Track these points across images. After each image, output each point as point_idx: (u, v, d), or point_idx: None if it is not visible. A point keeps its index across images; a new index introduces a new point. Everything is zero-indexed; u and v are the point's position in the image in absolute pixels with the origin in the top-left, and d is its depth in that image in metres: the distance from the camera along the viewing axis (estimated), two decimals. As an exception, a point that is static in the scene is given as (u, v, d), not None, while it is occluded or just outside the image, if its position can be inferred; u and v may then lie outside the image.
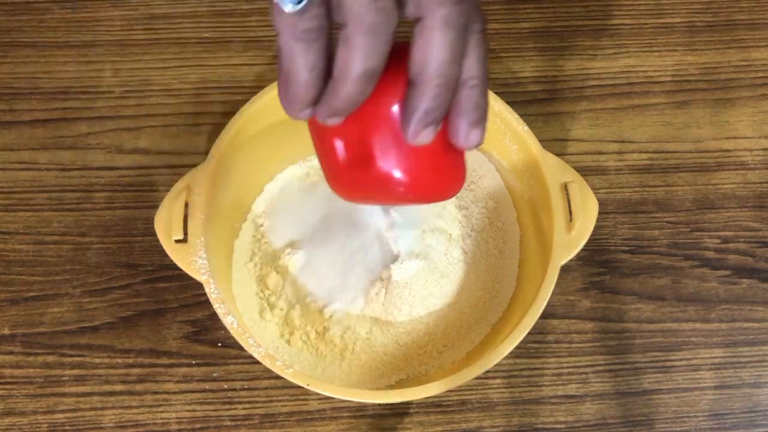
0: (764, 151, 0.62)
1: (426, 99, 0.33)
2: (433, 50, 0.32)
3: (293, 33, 0.33)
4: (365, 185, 0.38)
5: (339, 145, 0.38)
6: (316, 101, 0.34)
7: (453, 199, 0.56)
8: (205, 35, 0.64)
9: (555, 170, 0.52)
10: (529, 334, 0.48)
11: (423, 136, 0.34)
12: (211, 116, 0.61)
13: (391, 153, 0.37)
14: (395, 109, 0.36)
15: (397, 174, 0.37)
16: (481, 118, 0.35)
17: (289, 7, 0.32)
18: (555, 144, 0.61)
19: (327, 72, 0.34)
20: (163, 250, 0.49)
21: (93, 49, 0.63)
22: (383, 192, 0.38)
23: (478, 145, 0.35)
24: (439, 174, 0.38)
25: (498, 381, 0.55)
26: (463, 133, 0.35)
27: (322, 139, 0.39)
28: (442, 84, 0.33)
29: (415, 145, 0.35)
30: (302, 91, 0.34)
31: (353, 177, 0.38)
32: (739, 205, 0.60)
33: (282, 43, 0.33)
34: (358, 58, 0.32)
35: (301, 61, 0.33)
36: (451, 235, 0.55)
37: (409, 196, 0.38)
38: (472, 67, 0.34)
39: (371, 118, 0.36)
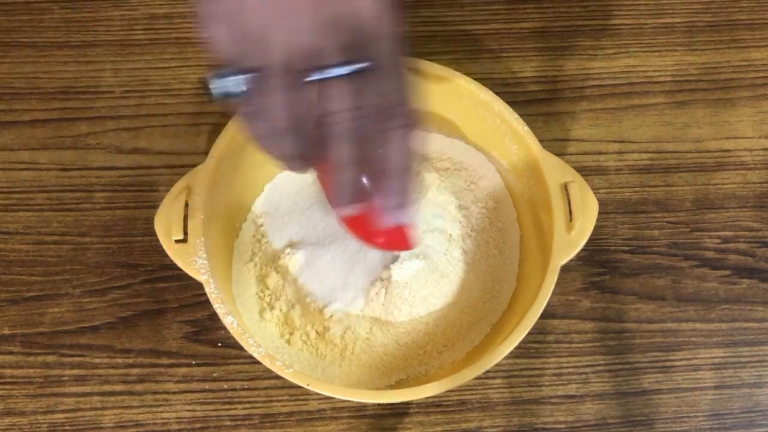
0: (764, 151, 0.62)
1: (333, 189, 0.39)
2: (331, 153, 0.38)
3: (245, 113, 0.39)
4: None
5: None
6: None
7: (453, 199, 0.56)
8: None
9: (555, 170, 0.52)
10: (529, 334, 0.48)
11: (344, 211, 0.42)
12: (211, 116, 0.61)
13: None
14: None
15: (355, 230, 0.48)
16: (397, 203, 0.40)
17: (226, 99, 0.38)
18: (555, 144, 0.61)
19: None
20: (163, 250, 0.49)
21: (93, 49, 0.63)
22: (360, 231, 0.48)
23: (401, 223, 0.43)
24: (385, 236, 0.48)
25: (498, 381, 0.55)
26: (385, 214, 0.41)
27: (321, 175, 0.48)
28: (338, 181, 0.39)
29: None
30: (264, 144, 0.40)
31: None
32: (739, 205, 0.60)
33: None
34: (338, 155, 0.38)
35: (259, 130, 0.39)
36: (451, 235, 0.55)
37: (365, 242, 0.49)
38: (387, 160, 0.39)
39: None
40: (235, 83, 0.37)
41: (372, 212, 0.42)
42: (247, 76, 0.37)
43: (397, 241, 0.49)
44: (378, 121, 0.37)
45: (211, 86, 0.37)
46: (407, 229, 0.48)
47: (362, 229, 0.47)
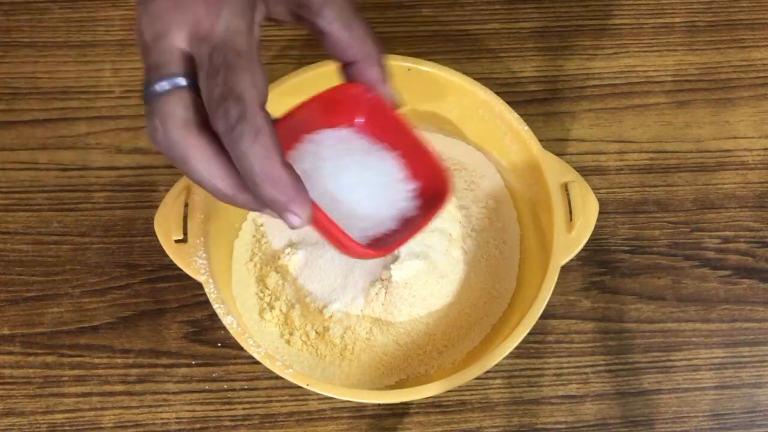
0: (764, 151, 0.62)
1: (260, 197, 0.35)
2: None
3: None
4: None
5: None
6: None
7: (453, 199, 0.56)
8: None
9: (555, 170, 0.52)
10: (529, 334, 0.48)
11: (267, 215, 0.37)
12: (211, 116, 0.61)
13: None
14: None
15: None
16: (277, 211, 0.35)
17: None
18: (555, 144, 0.61)
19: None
20: (163, 250, 0.49)
21: (93, 49, 0.63)
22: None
23: (299, 227, 0.36)
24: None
25: (498, 381, 0.55)
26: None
27: None
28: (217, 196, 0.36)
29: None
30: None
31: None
32: (740, 205, 0.60)
33: None
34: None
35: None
36: (451, 235, 0.55)
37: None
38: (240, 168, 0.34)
39: None
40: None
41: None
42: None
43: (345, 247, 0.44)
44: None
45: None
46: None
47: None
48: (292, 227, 0.36)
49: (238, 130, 0.33)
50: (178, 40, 0.35)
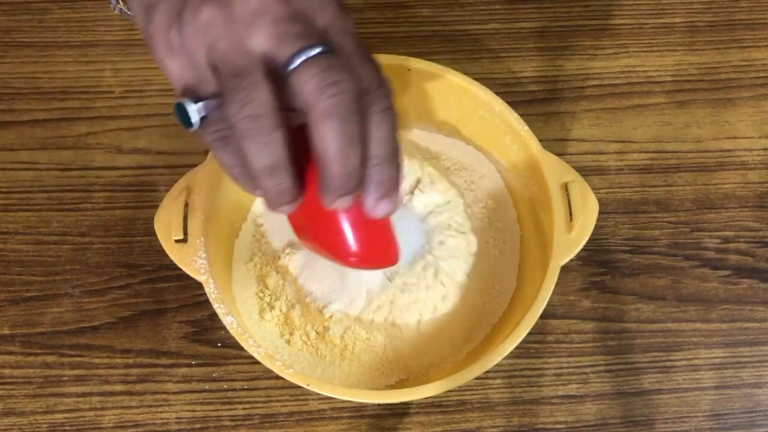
0: (764, 151, 0.62)
1: (330, 179, 0.36)
2: (324, 141, 0.35)
3: (208, 142, 0.37)
4: (313, 243, 0.44)
5: (291, 220, 0.44)
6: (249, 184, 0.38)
7: (460, 200, 0.56)
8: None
9: (555, 170, 0.52)
10: (529, 334, 0.48)
11: (337, 205, 0.38)
12: (211, 116, 0.61)
13: (317, 228, 0.42)
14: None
15: (321, 246, 0.44)
16: (386, 193, 0.38)
17: (186, 128, 0.36)
18: (555, 144, 0.61)
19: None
20: (163, 250, 0.49)
21: (93, 49, 0.63)
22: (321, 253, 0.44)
23: (388, 214, 0.39)
24: (363, 249, 0.43)
25: (498, 381, 0.55)
26: (370, 205, 0.38)
27: None
28: (341, 168, 0.36)
29: (333, 209, 0.38)
30: (239, 183, 0.38)
31: (302, 236, 0.45)
32: (740, 205, 0.60)
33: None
34: (253, 160, 0.35)
35: (223, 161, 0.38)
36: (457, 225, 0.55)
37: (339, 260, 0.44)
38: (373, 147, 0.36)
39: (310, 200, 0.39)
40: (204, 106, 0.36)
41: (341, 222, 0.41)
42: (217, 98, 0.36)
43: (377, 255, 0.45)
44: (356, 103, 0.35)
45: (186, 112, 0.36)
46: (389, 241, 0.45)
47: (335, 246, 0.43)
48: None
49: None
50: None
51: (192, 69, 0.36)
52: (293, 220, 0.44)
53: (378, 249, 0.45)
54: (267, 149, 0.35)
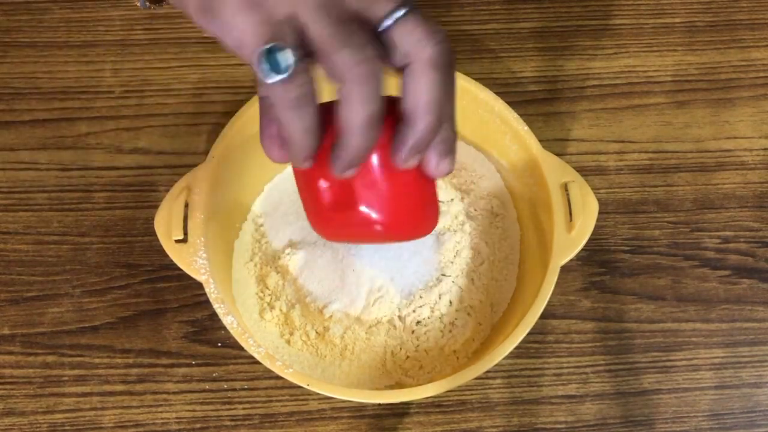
0: (764, 151, 0.62)
1: (417, 132, 0.36)
2: (424, 91, 0.35)
3: (284, 102, 0.35)
4: (347, 225, 0.42)
5: (323, 188, 0.41)
6: (315, 151, 0.37)
7: (461, 204, 0.56)
8: (205, 35, 0.64)
9: (555, 170, 0.52)
10: (529, 334, 0.48)
11: (410, 163, 0.38)
12: (211, 116, 0.61)
13: (370, 196, 0.41)
14: (374, 157, 0.39)
15: (376, 214, 0.41)
16: (449, 150, 0.38)
17: (273, 78, 0.34)
18: (555, 144, 0.61)
19: (323, 122, 0.36)
20: (163, 250, 0.49)
21: (93, 49, 0.63)
22: (363, 231, 0.42)
23: (447, 174, 0.39)
24: (412, 214, 0.42)
25: (498, 381, 0.55)
26: (433, 163, 0.38)
27: (307, 182, 0.42)
28: (431, 120, 0.36)
29: (403, 168, 0.38)
30: (302, 151, 0.37)
31: (336, 217, 0.42)
32: (740, 205, 0.60)
33: (276, 111, 0.36)
34: (358, 109, 0.35)
35: (297, 126, 0.36)
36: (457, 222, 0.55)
37: (387, 234, 0.42)
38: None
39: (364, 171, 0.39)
40: (290, 54, 0.34)
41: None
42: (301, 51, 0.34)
43: (416, 223, 0.43)
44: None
45: (273, 59, 0.34)
46: (431, 202, 0.43)
47: (379, 214, 0.41)
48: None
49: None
50: None
51: (271, 24, 0.35)
52: (320, 198, 0.42)
53: (419, 214, 0.43)
54: (374, 97, 0.35)
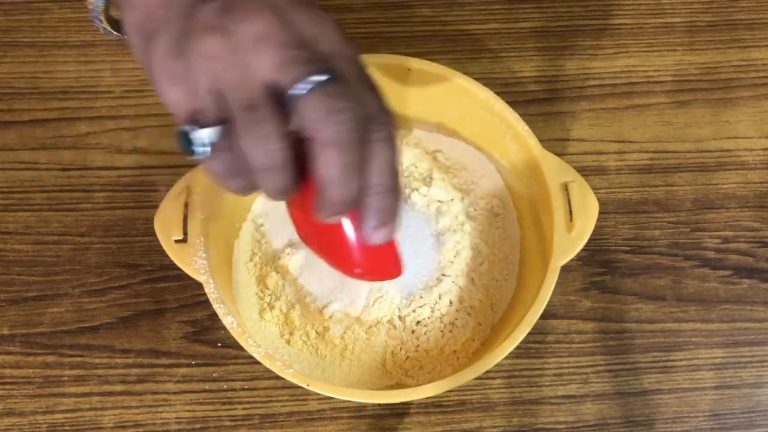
0: (764, 151, 0.62)
1: (329, 203, 0.37)
2: (324, 168, 0.35)
3: (212, 173, 0.38)
4: (318, 252, 0.45)
5: (296, 218, 0.44)
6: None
7: (461, 204, 0.56)
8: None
9: (555, 170, 0.52)
10: (529, 334, 0.48)
11: (332, 220, 0.38)
12: (211, 116, 0.61)
13: (329, 243, 0.43)
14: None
15: (332, 257, 0.44)
16: (384, 221, 0.38)
17: (190, 156, 0.36)
18: (555, 144, 0.61)
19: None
20: (163, 250, 0.49)
21: (93, 49, 0.63)
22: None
23: (385, 241, 0.39)
24: (366, 262, 0.43)
25: (498, 381, 0.55)
26: (368, 232, 0.38)
27: (288, 207, 0.44)
28: (339, 195, 0.36)
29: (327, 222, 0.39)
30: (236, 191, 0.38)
31: (309, 243, 0.45)
32: (740, 205, 0.60)
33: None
34: (268, 192, 0.37)
35: (233, 188, 0.38)
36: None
37: (343, 270, 0.44)
38: (374, 175, 0.37)
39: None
40: (210, 134, 0.36)
41: (346, 236, 0.41)
42: (221, 126, 0.36)
43: (381, 267, 0.45)
44: (360, 131, 0.36)
45: (188, 139, 0.36)
46: (393, 253, 0.45)
47: (340, 258, 0.44)
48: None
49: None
50: None
51: (194, 97, 0.36)
52: (299, 226, 0.45)
53: (381, 262, 0.45)
54: (280, 178, 0.36)
